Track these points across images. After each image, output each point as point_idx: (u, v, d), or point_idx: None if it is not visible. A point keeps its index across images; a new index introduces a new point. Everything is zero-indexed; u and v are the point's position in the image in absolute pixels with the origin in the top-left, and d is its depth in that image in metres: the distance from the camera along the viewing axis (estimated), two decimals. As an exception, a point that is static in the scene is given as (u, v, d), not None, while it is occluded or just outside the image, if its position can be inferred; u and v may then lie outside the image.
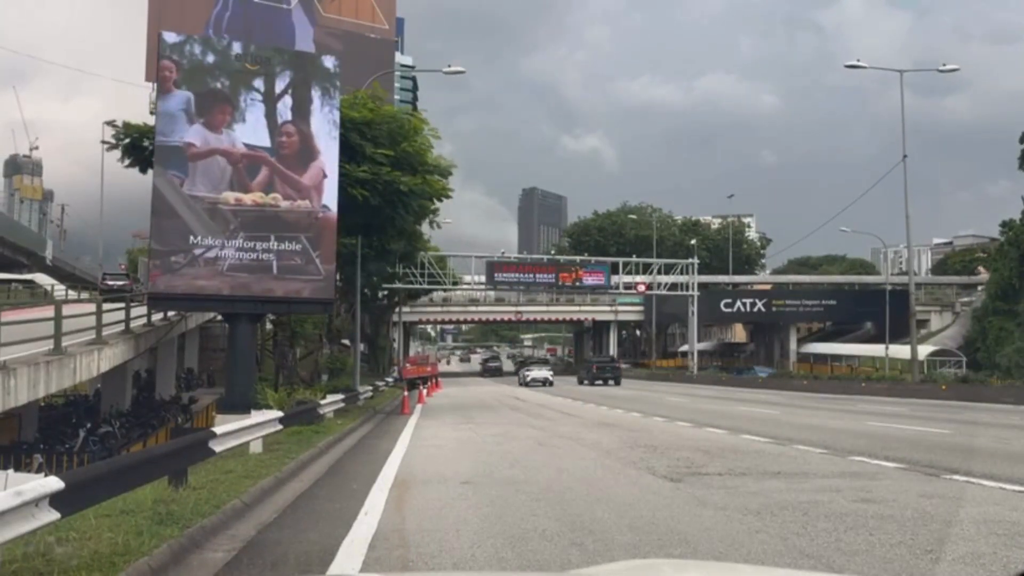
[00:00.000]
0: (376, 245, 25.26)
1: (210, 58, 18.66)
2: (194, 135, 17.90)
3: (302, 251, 18.49)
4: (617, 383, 44.45)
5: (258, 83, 18.47)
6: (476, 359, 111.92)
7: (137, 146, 20.54)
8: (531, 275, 55.51)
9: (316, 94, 19.09)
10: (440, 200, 26.00)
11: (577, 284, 55.38)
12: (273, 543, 6.20)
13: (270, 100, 18.57)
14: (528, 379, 47.18)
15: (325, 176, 18.88)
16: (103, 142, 23.37)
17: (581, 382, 46.91)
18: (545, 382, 46.05)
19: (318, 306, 20.97)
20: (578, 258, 62.64)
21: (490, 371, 73.53)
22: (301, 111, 18.83)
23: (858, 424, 17.14)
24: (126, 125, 21.03)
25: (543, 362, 69.10)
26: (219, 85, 18.31)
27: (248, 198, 18.18)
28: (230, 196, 18.06)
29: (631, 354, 79.29)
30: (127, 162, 21.06)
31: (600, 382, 45.42)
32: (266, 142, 18.41)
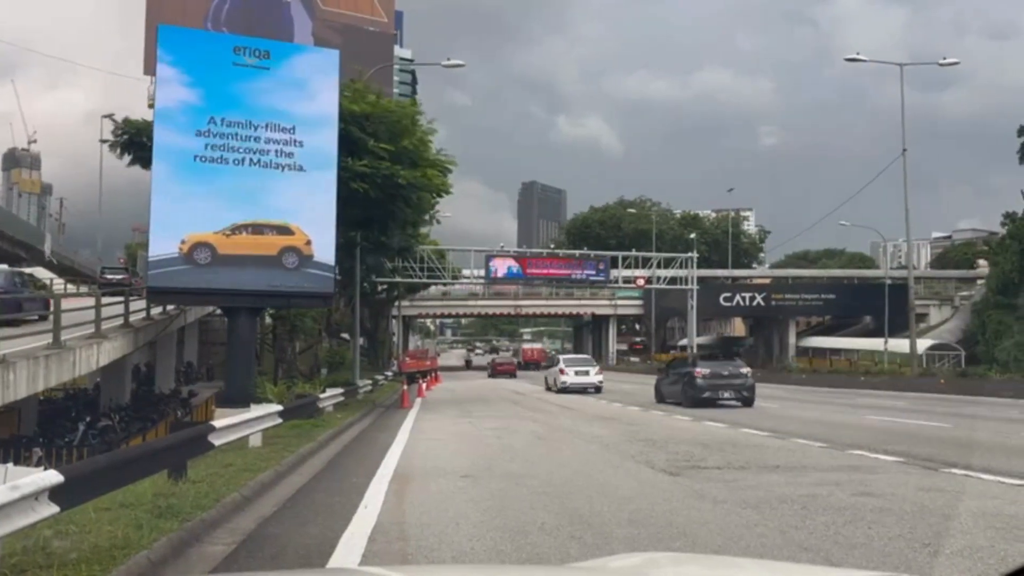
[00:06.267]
0: (375, 239, 25.23)
1: (207, 52, 18.61)
2: (192, 128, 17.84)
3: (298, 245, 18.46)
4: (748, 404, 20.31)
5: (256, 77, 18.39)
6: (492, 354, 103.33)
7: (136, 142, 20.43)
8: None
9: (314, 87, 19.02)
10: (439, 196, 26.06)
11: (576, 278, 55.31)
12: (272, 536, 6.21)
13: (268, 93, 18.50)
14: (567, 385, 29.75)
15: (324, 170, 18.82)
16: (102, 141, 23.29)
17: (662, 399, 22.55)
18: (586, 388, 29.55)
19: (317, 300, 20.94)
20: (577, 252, 62.60)
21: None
22: (299, 103, 18.75)
23: (857, 418, 17.17)
24: (125, 122, 20.90)
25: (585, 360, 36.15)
26: (216, 79, 18.22)
27: (244, 189, 18.13)
28: (226, 189, 17.99)
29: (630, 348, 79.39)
30: (128, 159, 20.94)
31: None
32: (263, 134, 18.34)
